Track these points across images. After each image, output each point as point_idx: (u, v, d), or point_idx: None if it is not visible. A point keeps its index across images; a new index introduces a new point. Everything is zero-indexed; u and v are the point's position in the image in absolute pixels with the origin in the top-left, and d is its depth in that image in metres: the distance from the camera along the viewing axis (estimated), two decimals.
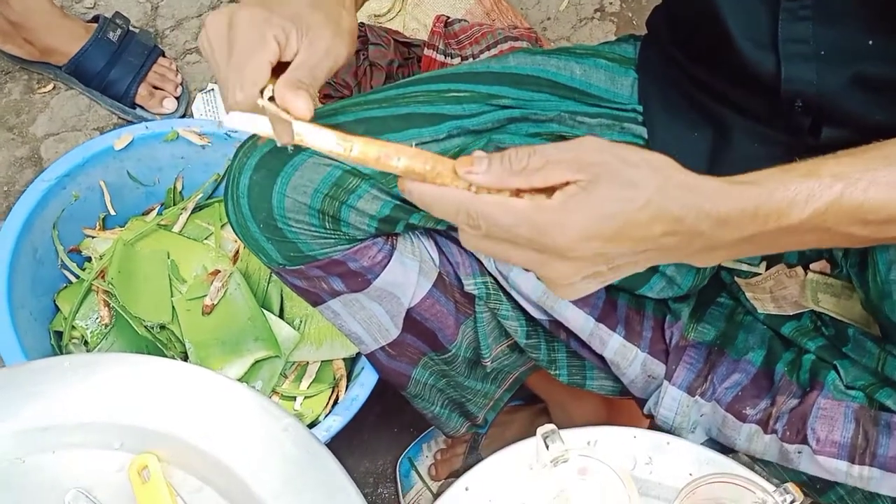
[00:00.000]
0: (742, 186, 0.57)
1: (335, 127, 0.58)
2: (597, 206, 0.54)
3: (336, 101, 0.87)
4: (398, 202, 0.84)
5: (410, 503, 1.23)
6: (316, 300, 0.92)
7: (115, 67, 1.41)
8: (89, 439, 0.74)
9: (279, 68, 0.64)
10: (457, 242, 0.92)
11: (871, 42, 0.71)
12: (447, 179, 0.56)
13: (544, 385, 1.15)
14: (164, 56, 1.48)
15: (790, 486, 0.74)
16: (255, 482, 0.70)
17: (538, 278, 0.60)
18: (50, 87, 1.51)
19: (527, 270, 0.89)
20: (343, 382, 1.10)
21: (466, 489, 0.82)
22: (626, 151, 0.57)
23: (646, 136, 0.89)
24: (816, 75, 0.74)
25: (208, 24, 0.66)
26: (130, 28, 1.47)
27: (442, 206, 0.56)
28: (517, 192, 0.56)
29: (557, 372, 1.00)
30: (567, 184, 0.55)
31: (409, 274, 0.90)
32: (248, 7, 0.65)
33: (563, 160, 0.55)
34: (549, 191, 0.56)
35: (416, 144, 0.83)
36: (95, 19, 1.46)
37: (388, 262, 0.88)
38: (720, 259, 0.60)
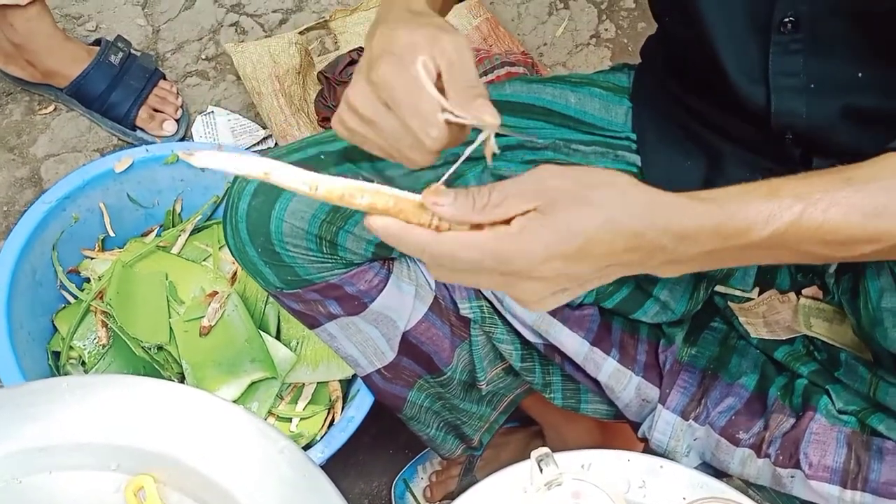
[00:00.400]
0: (703, 204, 0.58)
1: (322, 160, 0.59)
2: (555, 227, 0.55)
3: None
4: None
5: None
6: (312, 323, 0.93)
7: (115, 90, 1.43)
8: (86, 460, 0.74)
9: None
10: None
11: (860, 74, 0.73)
12: (410, 216, 0.57)
13: (539, 408, 1.15)
14: (164, 79, 1.50)
15: None
16: (249, 502, 0.71)
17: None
18: (51, 108, 1.52)
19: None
20: (339, 404, 1.11)
21: None
22: (583, 174, 0.58)
23: (639, 163, 0.90)
24: (806, 108, 0.75)
25: (352, 101, 0.63)
26: (132, 51, 1.48)
27: (406, 245, 0.57)
28: (478, 225, 0.57)
29: (552, 395, 1.00)
30: (527, 212, 0.56)
31: (405, 298, 0.91)
32: (382, 64, 0.62)
33: (521, 192, 0.56)
34: (509, 220, 0.57)
35: (414, 171, 0.85)
36: (97, 42, 1.48)
37: (385, 286, 0.89)
38: (685, 271, 0.61)
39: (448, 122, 0.61)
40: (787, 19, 0.72)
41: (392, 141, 0.63)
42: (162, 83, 1.48)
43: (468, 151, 0.61)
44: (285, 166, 0.57)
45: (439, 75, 0.62)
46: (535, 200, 0.55)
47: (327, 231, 0.83)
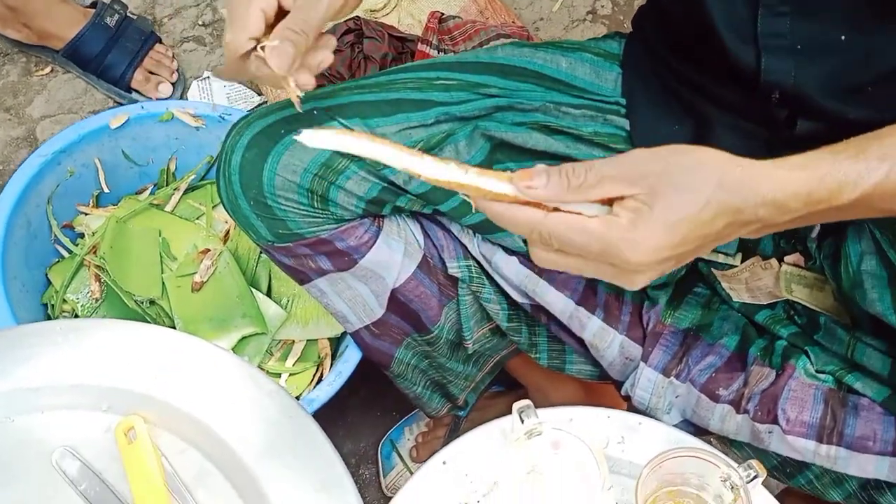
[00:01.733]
0: (795, 171, 0.60)
1: (329, 108, 0.62)
2: (662, 218, 0.57)
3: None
4: (386, 185, 0.86)
5: (391, 484, 1.25)
6: (303, 278, 0.94)
7: (111, 52, 1.43)
8: (78, 401, 0.76)
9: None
10: (441, 226, 0.95)
11: (843, 38, 0.74)
12: (509, 199, 0.58)
13: (525, 369, 1.17)
14: (160, 42, 1.50)
15: (753, 462, 0.76)
16: (238, 444, 0.73)
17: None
18: (47, 69, 1.53)
19: (512, 254, 0.92)
20: (328, 361, 1.13)
21: (444, 463, 0.84)
22: (678, 156, 0.59)
23: (628, 128, 0.91)
24: (794, 69, 0.77)
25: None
26: (128, 14, 1.49)
27: (515, 225, 0.59)
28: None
29: (538, 355, 1.02)
30: (622, 198, 0.58)
31: (394, 255, 0.93)
32: None
33: (617, 175, 0.58)
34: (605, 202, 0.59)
35: (404, 129, 0.86)
36: (93, 5, 1.49)
37: (375, 242, 0.91)
38: (770, 232, 0.63)
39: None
40: None
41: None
42: (158, 46, 1.48)
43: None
44: (394, 151, 0.59)
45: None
46: (632, 187, 0.57)
47: (319, 185, 0.84)
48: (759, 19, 0.75)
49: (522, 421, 0.79)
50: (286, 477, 0.71)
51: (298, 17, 0.67)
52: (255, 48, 0.67)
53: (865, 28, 0.73)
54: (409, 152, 0.59)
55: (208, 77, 1.48)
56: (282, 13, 0.69)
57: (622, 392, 0.97)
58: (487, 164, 0.91)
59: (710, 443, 0.88)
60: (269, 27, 0.68)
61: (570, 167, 0.58)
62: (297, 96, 0.70)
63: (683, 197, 0.57)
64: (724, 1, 0.77)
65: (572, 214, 0.58)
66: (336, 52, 1.51)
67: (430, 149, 0.87)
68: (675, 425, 0.91)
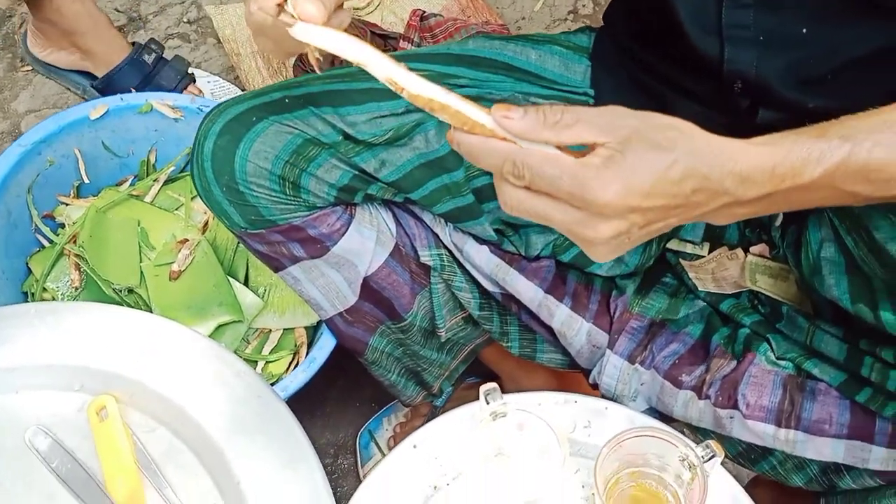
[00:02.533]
0: (760, 147, 0.61)
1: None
2: (632, 165, 0.57)
3: None
4: (357, 172, 0.88)
5: (369, 473, 1.27)
6: (277, 266, 0.96)
7: (145, 90, 1.42)
8: (52, 381, 0.78)
9: None
10: (413, 215, 0.97)
11: (804, 31, 0.76)
12: (485, 132, 0.59)
13: (498, 359, 1.19)
14: (194, 83, 1.49)
15: (711, 442, 0.78)
16: (208, 423, 0.75)
17: (574, 242, 0.62)
18: None
19: (483, 244, 0.94)
20: (304, 349, 1.14)
21: (414, 447, 0.86)
22: (653, 117, 0.60)
23: None
24: (756, 59, 0.79)
25: None
26: (164, 55, 1.48)
27: (489, 156, 0.59)
28: None
29: (509, 344, 1.04)
30: (595, 147, 0.58)
31: (366, 242, 0.94)
32: None
33: (593, 121, 0.58)
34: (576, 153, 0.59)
35: (375, 118, 0.88)
36: (132, 44, 1.48)
37: (347, 230, 0.92)
38: (739, 217, 0.64)
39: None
40: None
41: None
42: (191, 87, 1.47)
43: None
44: (379, 59, 0.60)
45: None
46: (607, 135, 0.58)
47: (290, 172, 0.86)
48: (724, 11, 0.77)
49: (488, 402, 0.80)
50: (253, 454, 0.73)
51: None
52: (282, 9, 0.66)
53: (826, 21, 0.75)
54: (395, 63, 0.59)
55: (193, 73, 1.50)
56: None
57: (590, 380, 0.99)
58: (456, 155, 0.92)
59: (682, 433, 0.90)
60: None
61: (548, 105, 0.59)
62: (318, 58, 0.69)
63: (653, 153, 0.58)
64: None
65: (547, 148, 0.58)
66: (318, 49, 1.54)
67: (400, 137, 0.89)
68: (641, 412, 0.93)
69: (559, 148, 0.59)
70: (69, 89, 1.53)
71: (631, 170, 0.57)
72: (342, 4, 0.71)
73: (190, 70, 1.48)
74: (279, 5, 0.67)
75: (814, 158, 0.61)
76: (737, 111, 0.83)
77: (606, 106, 0.60)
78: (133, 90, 1.40)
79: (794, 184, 0.61)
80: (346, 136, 0.86)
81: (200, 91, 1.48)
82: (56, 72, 1.51)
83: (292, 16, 0.65)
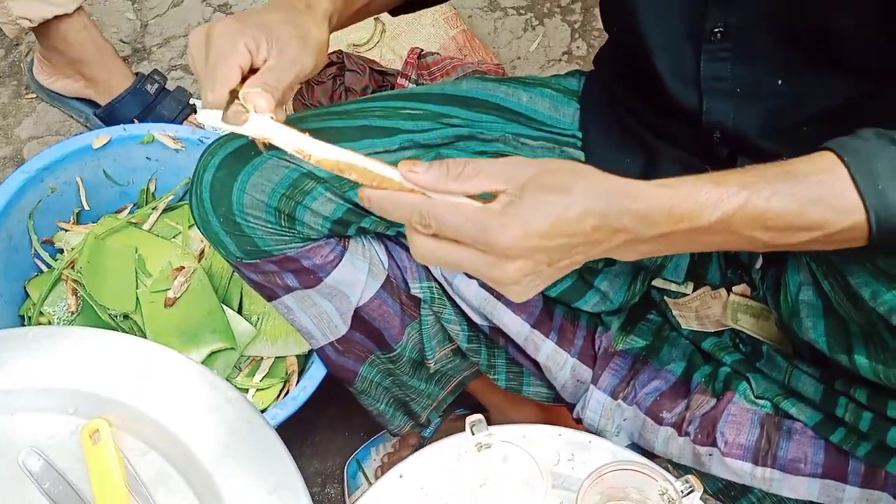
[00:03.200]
0: (660, 189, 0.64)
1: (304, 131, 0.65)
2: (531, 208, 0.61)
3: None
4: (351, 206, 0.91)
5: (355, 502, 1.27)
6: (271, 295, 0.98)
7: (147, 119, 1.46)
8: (46, 404, 0.79)
9: (253, 75, 0.72)
10: (406, 248, 0.99)
11: (780, 82, 0.80)
12: (394, 186, 0.63)
13: (485, 391, 1.21)
14: (195, 113, 1.51)
15: (690, 477, 0.80)
16: (198, 448, 0.76)
17: (487, 284, 0.66)
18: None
19: (472, 278, 0.96)
20: (294, 377, 1.16)
21: (400, 476, 0.87)
22: (549, 162, 0.64)
23: (583, 159, 0.96)
24: (734, 110, 0.82)
25: (190, 37, 0.75)
26: (166, 86, 1.51)
27: (397, 208, 0.63)
28: None
29: (496, 377, 1.06)
30: (497, 194, 0.62)
31: (358, 274, 0.96)
32: (223, 21, 0.74)
33: (493, 171, 0.62)
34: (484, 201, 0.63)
35: (370, 154, 0.90)
36: (135, 74, 1.51)
37: (340, 261, 0.95)
38: (641, 255, 0.67)
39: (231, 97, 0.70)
40: (716, 29, 0.78)
41: (200, 77, 0.74)
42: (191, 117, 1.50)
43: None
44: (284, 131, 0.64)
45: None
46: (505, 183, 0.61)
47: (286, 205, 0.88)
48: (702, 63, 0.80)
49: (473, 433, 0.82)
50: (242, 480, 0.75)
51: (271, 75, 0.71)
52: (233, 100, 0.70)
53: (800, 74, 0.79)
54: (301, 134, 0.63)
55: (195, 104, 1.53)
56: (251, 72, 0.73)
57: (574, 414, 1.01)
58: None
59: (666, 468, 0.91)
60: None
61: (451, 159, 0.63)
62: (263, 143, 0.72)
63: (550, 195, 0.61)
64: (669, 47, 0.82)
65: (451, 198, 0.62)
66: (318, 83, 1.58)
67: None
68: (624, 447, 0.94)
69: (471, 197, 0.62)
70: (72, 117, 1.56)
71: (530, 212, 0.61)
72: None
73: (192, 101, 1.51)
74: (231, 93, 0.70)
75: (711, 203, 0.64)
76: (717, 159, 0.86)
77: (508, 157, 0.64)
78: (135, 119, 1.43)
79: (691, 225, 0.64)
80: None
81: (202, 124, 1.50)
82: (60, 99, 1.54)
83: (244, 108, 0.68)
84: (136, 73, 1.51)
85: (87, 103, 1.51)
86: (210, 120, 0.68)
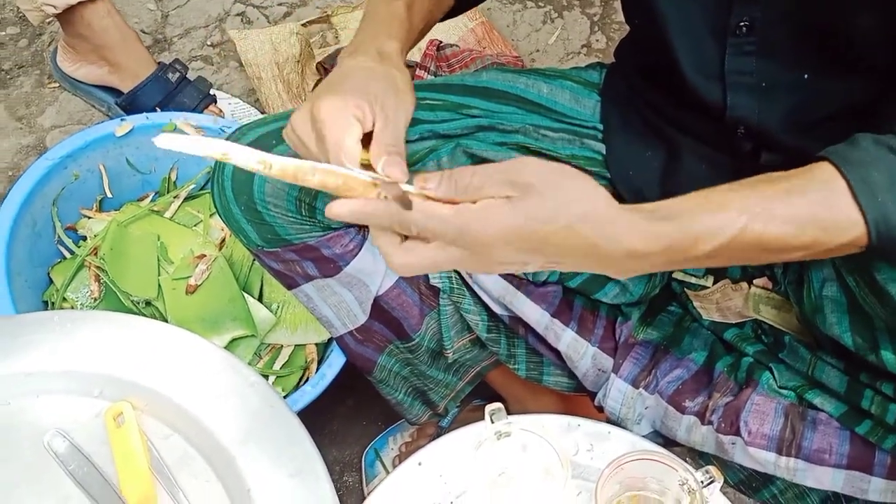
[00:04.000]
0: (659, 225, 0.64)
1: None
2: (517, 211, 0.61)
3: None
4: None
5: (373, 490, 1.28)
6: (291, 283, 0.99)
7: (167, 108, 1.46)
8: (71, 386, 0.80)
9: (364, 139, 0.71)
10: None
11: (805, 77, 0.79)
12: (359, 194, 0.63)
13: (504, 382, 1.21)
14: (215, 103, 1.52)
15: (711, 468, 0.80)
16: (220, 431, 0.77)
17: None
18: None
19: None
20: (314, 366, 1.16)
21: (419, 464, 0.87)
22: (560, 175, 0.63)
23: (604, 152, 0.96)
24: (758, 105, 0.82)
25: (294, 122, 0.73)
26: (187, 76, 1.52)
27: (376, 218, 0.64)
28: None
29: (516, 366, 1.06)
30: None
31: (377, 263, 0.97)
32: (323, 99, 0.71)
33: (500, 181, 0.62)
34: None
35: None
36: (156, 63, 1.52)
37: (359, 251, 0.95)
38: (631, 275, 0.67)
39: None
40: (742, 23, 0.78)
41: (315, 156, 0.71)
42: (212, 106, 1.51)
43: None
44: (241, 148, 0.63)
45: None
46: (511, 190, 0.62)
47: (307, 194, 0.89)
48: (727, 58, 0.80)
49: (493, 422, 0.82)
50: (264, 463, 0.75)
51: (389, 136, 0.70)
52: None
53: (824, 70, 0.78)
54: (259, 155, 0.62)
55: (214, 94, 1.54)
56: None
57: (595, 402, 1.01)
58: None
59: (685, 459, 0.91)
60: None
61: (459, 171, 0.63)
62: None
63: (548, 209, 0.61)
64: (691, 41, 0.81)
65: (428, 203, 0.63)
66: None
67: (413, 163, 0.92)
68: (645, 436, 0.94)
69: None
70: (94, 106, 1.57)
71: (514, 215, 0.61)
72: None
73: (212, 91, 1.52)
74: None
75: (709, 234, 0.64)
76: (740, 153, 0.86)
77: (515, 160, 0.64)
78: (157, 108, 1.44)
79: (686, 256, 0.64)
80: None
81: (220, 111, 1.51)
82: (83, 88, 1.55)
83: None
84: (159, 62, 1.52)
85: (109, 91, 1.52)
86: (172, 144, 0.63)
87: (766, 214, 0.64)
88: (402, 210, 0.63)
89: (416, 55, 1.63)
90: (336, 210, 0.64)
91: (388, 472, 1.29)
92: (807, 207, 0.64)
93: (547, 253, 0.63)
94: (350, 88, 0.72)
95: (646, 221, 0.63)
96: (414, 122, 0.90)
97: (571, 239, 0.62)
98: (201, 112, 1.46)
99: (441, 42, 1.58)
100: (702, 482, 0.79)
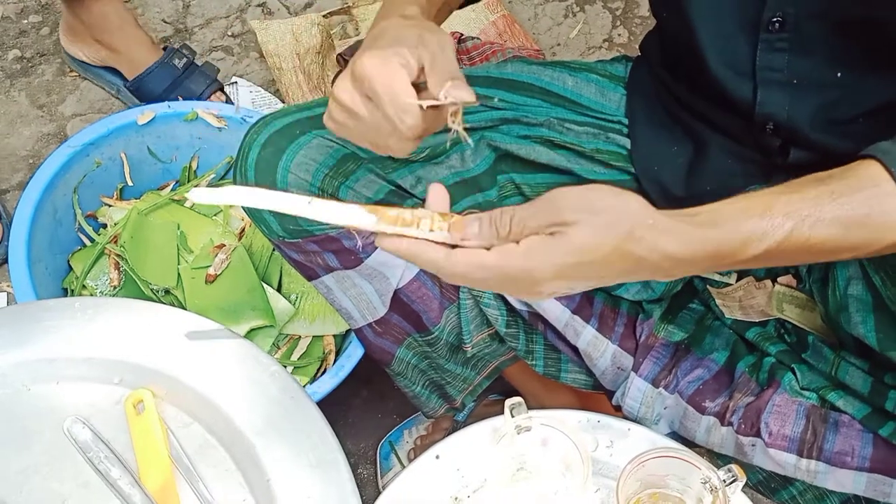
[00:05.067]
0: (701, 230, 0.63)
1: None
2: (563, 248, 0.61)
3: None
4: (393, 188, 0.91)
5: (388, 484, 1.28)
6: (311, 275, 0.98)
7: (175, 92, 1.46)
8: (91, 373, 0.80)
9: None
10: None
11: (839, 74, 0.78)
12: (412, 230, 0.63)
13: (522, 378, 1.20)
14: (221, 90, 1.52)
15: (734, 466, 0.79)
16: (240, 420, 0.76)
17: None
18: None
19: None
20: (331, 357, 1.16)
21: (437, 457, 0.87)
22: (594, 198, 0.62)
23: (628, 146, 0.95)
24: (788, 102, 0.81)
25: (337, 93, 0.69)
26: (195, 61, 1.52)
27: (420, 262, 0.64)
28: None
29: (534, 362, 1.05)
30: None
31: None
32: (364, 58, 0.67)
33: (538, 222, 0.62)
34: None
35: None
36: (164, 48, 1.52)
37: None
38: (675, 278, 0.68)
39: (424, 109, 0.65)
40: (774, 19, 0.77)
41: (374, 130, 0.69)
42: (218, 93, 1.51)
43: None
44: (290, 202, 0.63)
45: (423, 70, 0.68)
46: (550, 228, 0.62)
47: (330, 185, 0.89)
48: (759, 54, 0.79)
49: (513, 416, 0.82)
50: (284, 453, 0.75)
51: (441, 69, 0.67)
52: (422, 107, 0.65)
53: (857, 67, 0.77)
54: (306, 199, 0.62)
55: (236, 82, 1.54)
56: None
57: (613, 401, 1.00)
58: (492, 172, 0.95)
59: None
60: None
61: (497, 215, 0.63)
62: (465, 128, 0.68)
63: (592, 238, 0.61)
64: (720, 36, 0.80)
65: (472, 252, 0.62)
66: None
67: (437, 155, 0.91)
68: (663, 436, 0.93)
69: None
70: (103, 88, 1.57)
71: (561, 254, 0.61)
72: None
73: (233, 78, 1.52)
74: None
75: (755, 239, 0.63)
76: (769, 150, 0.85)
77: (547, 197, 0.63)
78: (163, 93, 1.44)
79: (734, 260, 0.64)
80: None
81: (227, 98, 1.51)
82: (89, 69, 1.55)
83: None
84: (165, 47, 1.52)
85: (115, 74, 1.52)
86: (210, 198, 0.64)
87: (814, 217, 0.63)
88: (445, 259, 0.62)
89: None
90: (387, 246, 0.64)
91: (402, 466, 1.28)
92: (854, 209, 0.63)
93: (596, 276, 0.63)
94: (386, 43, 0.70)
95: (690, 227, 0.63)
96: None
97: (619, 260, 0.62)
98: (207, 99, 1.46)
99: (462, 35, 1.57)
100: (724, 481, 0.78)
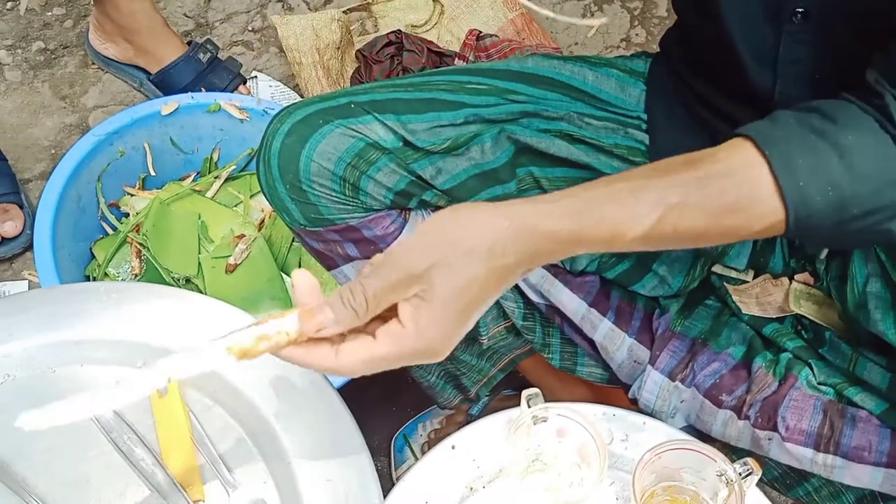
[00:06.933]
0: (562, 221, 0.62)
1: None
2: (443, 312, 0.60)
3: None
4: (414, 178, 0.91)
5: (402, 476, 1.29)
6: (330, 264, 0.99)
7: (198, 86, 1.48)
8: (115, 356, 0.81)
9: None
10: None
11: (860, 71, 0.78)
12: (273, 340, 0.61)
13: (537, 372, 1.20)
14: (245, 84, 1.54)
15: (749, 459, 0.79)
16: (262, 404, 0.77)
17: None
18: None
19: None
20: None
21: (453, 447, 0.87)
22: (442, 232, 0.61)
23: (647, 142, 0.95)
24: (808, 95, 0.81)
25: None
26: (218, 56, 1.55)
27: (315, 369, 0.63)
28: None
29: (550, 356, 1.05)
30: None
31: None
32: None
33: (393, 286, 0.60)
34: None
35: (434, 127, 0.90)
36: (188, 42, 1.55)
37: (400, 233, 0.95)
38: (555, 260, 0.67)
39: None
40: (798, 10, 0.77)
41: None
42: (241, 87, 1.53)
43: None
44: (187, 362, 0.63)
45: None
46: (411, 288, 0.60)
47: (351, 174, 0.89)
48: (782, 45, 0.79)
49: (529, 406, 0.82)
50: (304, 436, 0.76)
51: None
52: None
53: None
54: (212, 352, 0.61)
55: (256, 76, 1.55)
56: None
57: (629, 395, 1.00)
58: (511, 165, 0.95)
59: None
60: None
61: (346, 292, 0.60)
62: None
63: (460, 283, 0.60)
64: (748, 24, 0.81)
65: (360, 344, 0.61)
66: (376, 62, 1.59)
67: (457, 147, 0.92)
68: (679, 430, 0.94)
69: None
70: (126, 82, 1.59)
71: (444, 318, 0.61)
72: None
73: (254, 73, 1.53)
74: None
75: (621, 231, 0.62)
76: None
77: (389, 259, 0.62)
78: (187, 87, 1.45)
79: (611, 245, 0.64)
80: (406, 143, 0.89)
81: (250, 92, 1.53)
82: (114, 65, 1.57)
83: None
84: (189, 42, 1.53)
85: (140, 70, 1.54)
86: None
87: (681, 206, 0.62)
88: (335, 358, 0.61)
89: (454, 45, 1.63)
90: (284, 355, 0.63)
91: (416, 458, 1.29)
92: (722, 196, 0.62)
93: (487, 301, 0.63)
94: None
95: (548, 218, 0.62)
96: (459, 105, 0.91)
97: (498, 278, 0.62)
98: (231, 92, 1.47)
99: (480, 32, 1.58)
100: (740, 473, 0.78)
